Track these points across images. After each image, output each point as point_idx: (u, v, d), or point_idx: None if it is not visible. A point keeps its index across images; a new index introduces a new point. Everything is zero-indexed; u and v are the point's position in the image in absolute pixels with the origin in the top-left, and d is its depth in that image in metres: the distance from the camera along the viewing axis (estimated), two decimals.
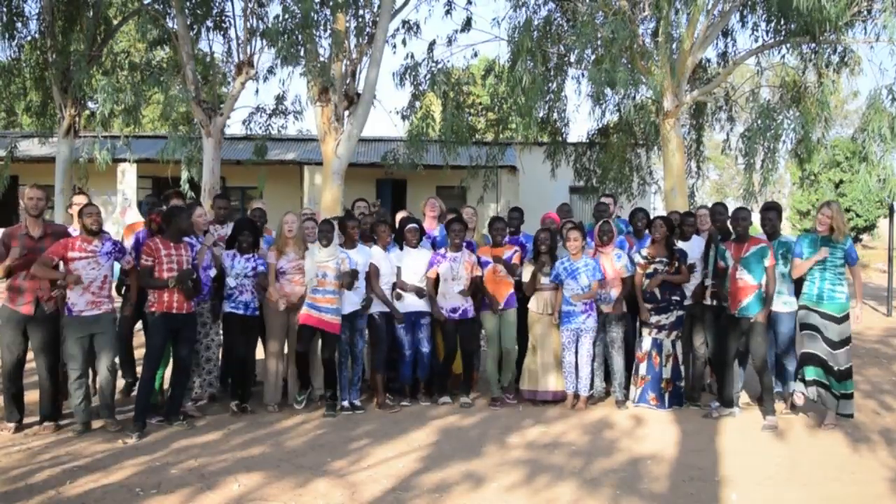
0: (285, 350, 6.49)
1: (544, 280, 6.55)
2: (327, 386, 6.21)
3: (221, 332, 6.37)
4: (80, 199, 6.37)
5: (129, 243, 6.19)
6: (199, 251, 5.99)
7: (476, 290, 6.58)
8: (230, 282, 6.07)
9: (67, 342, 5.53)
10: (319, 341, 6.30)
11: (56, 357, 5.70)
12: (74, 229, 6.19)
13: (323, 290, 6.07)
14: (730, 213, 6.57)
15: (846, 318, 5.84)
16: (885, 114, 9.32)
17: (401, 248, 6.69)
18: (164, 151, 11.56)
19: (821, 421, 5.93)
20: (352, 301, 6.25)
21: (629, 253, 6.67)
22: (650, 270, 6.43)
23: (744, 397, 6.50)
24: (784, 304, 6.15)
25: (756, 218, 6.65)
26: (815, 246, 5.87)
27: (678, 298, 6.45)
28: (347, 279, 6.11)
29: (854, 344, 9.67)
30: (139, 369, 6.12)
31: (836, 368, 5.77)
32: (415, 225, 6.71)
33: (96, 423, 5.64)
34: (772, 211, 6.29)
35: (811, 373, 5.84)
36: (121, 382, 6.28)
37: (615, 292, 6.49)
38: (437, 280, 6.54)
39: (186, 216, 5.81)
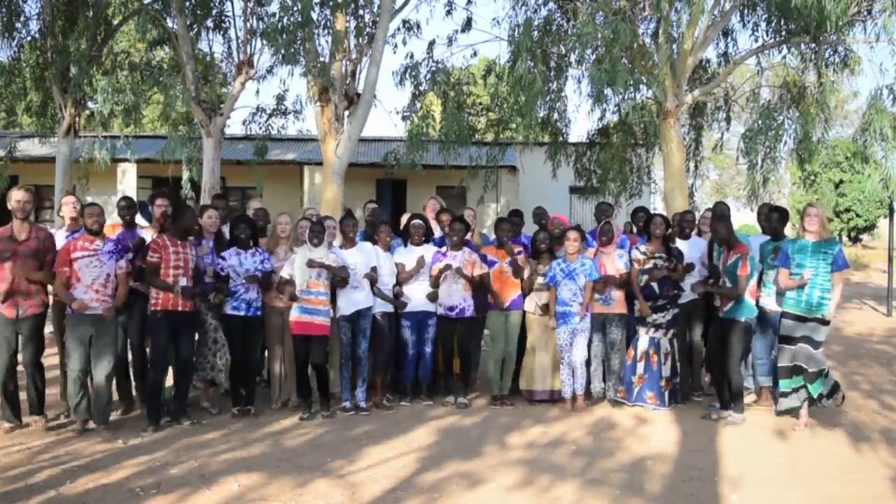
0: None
1: (540, 280, 6.56)
2: (320, 389, 6.18)
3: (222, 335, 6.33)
4: (69, 200, 6.34)
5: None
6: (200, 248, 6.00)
7: (481, 287, 6.58)
8: (241, 279, 6.04)
9: (68, 340, 5.54)
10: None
11: (40, 351, 5.71)
12: (66, 232, 6.16)
13: (316, 291, 6.05)
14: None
15: (830, 321, 5.85)
16: (886, 114, 9.31)
17: (405, 246, 6.72)
18: (164, 151, 11.55)
19: (820, 422, 5.94)
20: (354, 301, 6.24)
21: (630, 250, 6.68)
22: (648, 266, 6.43)
23: (748, 397, 6.50)
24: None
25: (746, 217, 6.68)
26: (805, 252, 5.80)
27: (676, 294, 6.45)
28: (341, 274, 6.08)
29: (855, 344, 9.74)
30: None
31: (811, 370, 5.73)
32: (419, 221, 6.72)
33: (93, 424, 5.64)
34: (775, 213, 6.38)
35: (797, 382, 5.81)
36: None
37: (616, 293, 6.50)
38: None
39: (191, 215, 5.82)
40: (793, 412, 5.90)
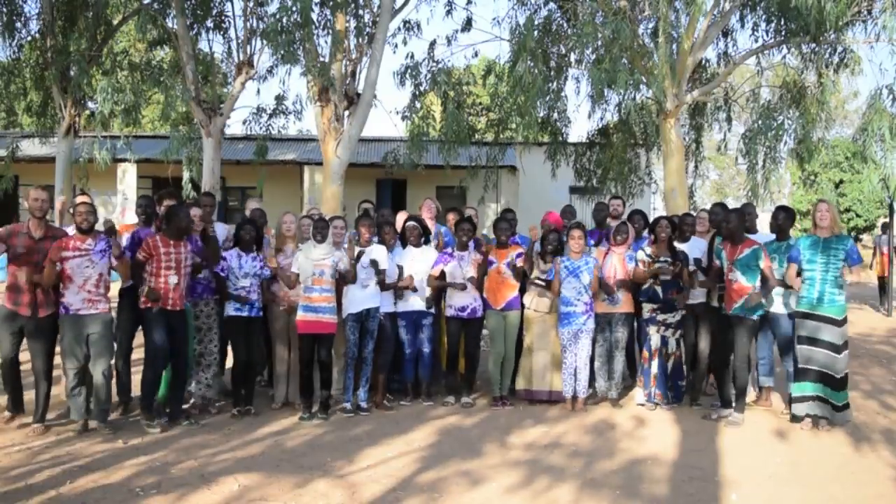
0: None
1: (540, 279, 6.55)
2: (323, 387, 6.18)
3: (221, 339, 6.30)
4: (83, 198, 6.37)
5: (124, 241, 6.17)
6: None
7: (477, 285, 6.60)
8: (240, 282, 6.04)
9: (64, 341, 5.54)
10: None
11: (51, 360, 5.71)
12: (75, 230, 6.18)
13: (320, 288, 6.04)
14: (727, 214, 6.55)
15: (845, 321, 5.80)
16: (886, 114, 9.33)
17: (403, 248, 6.72)
18: (167, 151, 11.57)
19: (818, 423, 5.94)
20: (361, 299, 6.20)
21: (633, 251, 6.67)
22: (653, 269, 6.43)
23: (751, 393, 6.51)
24: (783, 304, 6.15)
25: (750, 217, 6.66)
26: (817, 247, 5.81)
27: (681, 296, 6.45)
28: (370, 267, 6.12)
29: (855, 344, 9.73)
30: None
31: (836, 376, 5.73)
32: (414, 223, 6.72)
33: (93, 423, 5.64)
34: (782, 212, 6.35)
35: (809, 388, 5.80)
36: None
37: (621, 291, 6.50)
38: (441, 277, 6.56)
39: (185, 215, 5.79)
40: (803, 420, 5.84)
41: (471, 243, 6.72)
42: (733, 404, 6.11)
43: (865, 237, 28.09)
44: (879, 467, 4.95)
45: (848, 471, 4.88)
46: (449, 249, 6.71)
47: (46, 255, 5.48)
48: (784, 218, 6.31)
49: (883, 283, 14.03)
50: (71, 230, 6.19)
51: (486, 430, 5.79)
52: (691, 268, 6.44)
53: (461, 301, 6.56)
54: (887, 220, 14.60)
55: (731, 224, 6.02)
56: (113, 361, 5.85)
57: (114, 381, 5.90)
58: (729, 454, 5.19)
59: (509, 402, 6.59)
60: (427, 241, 6.80)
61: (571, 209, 7.87)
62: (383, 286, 6.32)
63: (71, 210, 6.42)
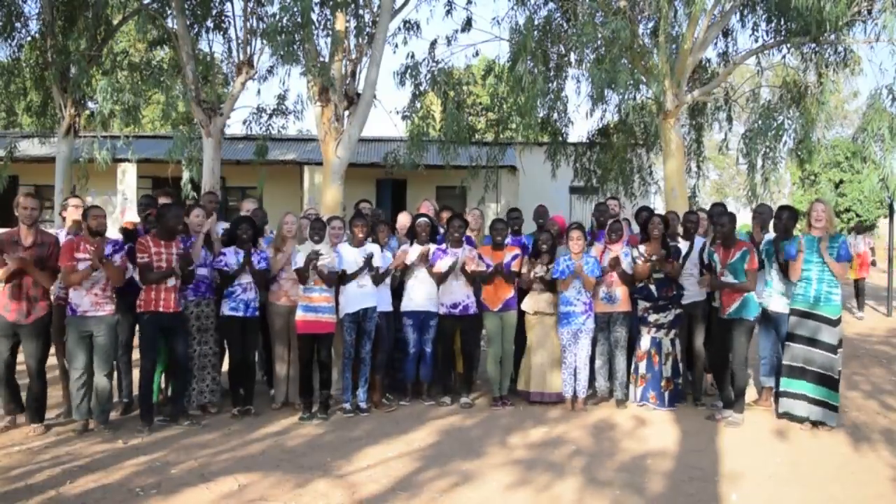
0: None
1: (539, 271, 6.55)
2: (323, 387, 6.18)
3: (217, 341, 6.29)
4: (75, 202, 6.35)
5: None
6: (194, 244, 5.92)
7: (473, 282, 6.59)
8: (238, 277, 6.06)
9: (69, 342, 5.55)
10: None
11: (45, 360, 5.71)
12: (66, 233, 6.15)
13: (320, 288, 6.05)
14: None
15: (840, 320, 5.82)
16: (886, 114, 9.33)
17: (411, 244, 6.73)
18: (171, 151, 11.58)
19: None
20: (358, 299, 6.20)
21: (630, 251, 6.68)
22: (655, 256, 6.44)
23: (751, 393, 6.50)
24: (786, 304, 6.15)
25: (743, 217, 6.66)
26: (813, 246, 5.83)
27: (675, 295, 6.45)
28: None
29: (855, 344, 9.73)
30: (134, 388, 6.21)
31: (834, 377, 5.74)
32: (425, 219, 6.73)
33: (93, 423, 5.64)
34: (785, 211, 6.35)
35: (808, 389, 5.79)
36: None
37: (620, 291, 6.50)
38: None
39: (175, 214, 5.78)
40: (796, 419, 5.85)
41: (465, 240, 6.72)
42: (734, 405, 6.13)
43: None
44: (879, 467, 4.95)
45: (848, 471, 4.88)
46: (442, 246, 6.71)
47: (40, 260, 5.47)
48: (787, 217, 6.32)
49: (857, 285, 13.97)
50: (63, 233, 6.19)
51: (486, 431, 5.79)
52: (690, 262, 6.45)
53: (452, 298, 6.56)
54: (864, 221, 14.50)
55: (724, 228, 6.04)
56: (114, 361, 5.86)
57: (114, 380, 5.90)
58: (729, 454, 5.19)
59: (510, 402, 6.59)
60: (434, 240, 6.80)
61: (544, 210, 7.77)
62: (377, 280, 6.30)
63: (62, 213, 6.43)
